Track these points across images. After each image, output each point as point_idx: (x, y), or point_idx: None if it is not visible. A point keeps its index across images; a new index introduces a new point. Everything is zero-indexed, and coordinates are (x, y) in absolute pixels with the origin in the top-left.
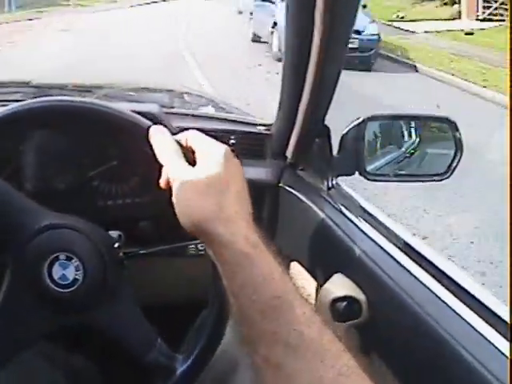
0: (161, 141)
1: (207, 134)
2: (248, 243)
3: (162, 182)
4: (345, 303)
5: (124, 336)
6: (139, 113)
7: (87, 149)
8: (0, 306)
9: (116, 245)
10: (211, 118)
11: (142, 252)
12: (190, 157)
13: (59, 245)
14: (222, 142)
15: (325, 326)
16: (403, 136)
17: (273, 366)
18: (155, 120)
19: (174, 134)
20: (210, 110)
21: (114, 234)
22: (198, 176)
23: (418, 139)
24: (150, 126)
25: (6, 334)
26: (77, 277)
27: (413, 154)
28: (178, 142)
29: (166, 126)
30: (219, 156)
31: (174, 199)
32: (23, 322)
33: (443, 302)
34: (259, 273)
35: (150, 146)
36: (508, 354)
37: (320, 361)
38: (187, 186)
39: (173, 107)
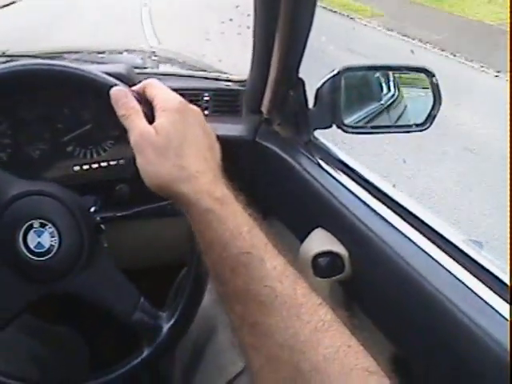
0: (121, 103)
1: (181, 93)
2: (212, 199)
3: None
4: (327, 259)
5: (106, 299)
6: (109, 74)
7: (60, 114)
8: None
9: (92, 209)
10: (184, 77)
11: (118, 215)
12: (148, 114)
13: (33, 212)
14: (195, 99)
15: (299, 280)
16: (382, 88)
17: (248, 323)
18: (126, 80)
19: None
20: (182, 69)
21: (90, 198)
22: (155, 138)
23: (396, 91)
24: (111, 86)
25: None
26: (52, 243)
27: (391, 105)
28: (137, 93)
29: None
30: (174, 110)
31: (137, 163)
32: (2, 295)
33: (427, 253)
34: (225, 228)
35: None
36: (503, 312)
37: (295, 316)
38: (146, 149)
39: (145, 67)
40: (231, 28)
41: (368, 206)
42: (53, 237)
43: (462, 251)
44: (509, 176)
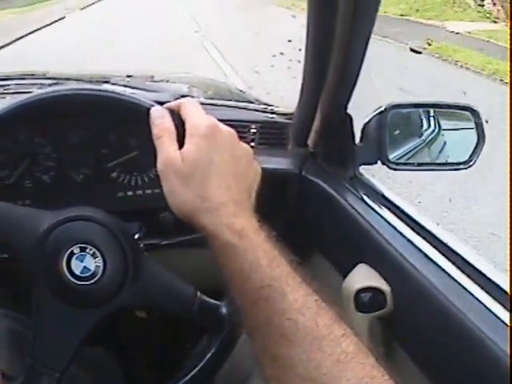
0: (157, 122)
1: (228, 125)
2: (232, 232)
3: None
4: (369, 294)
5: (162, 303)
6: (157, 102)
7: (106, 139)
8: (37, 321)
9: (136, 236)
10: (231, 108)
11: (163, 243)
12: (180, 136)
13: (76, 237)
14: (242, 131)
15: (322, 310)
16: (422, 124)
17: (269, 355)
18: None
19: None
20: (229, 99)
21: (134, 225)
22: (179, 165)
23: (437, 127)
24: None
25: (56, 346)
26: (97, 266)
27: (433, 142)
28: (173, 113)
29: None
30: (202, 136)
31: (163, 187)
32: (63, 328)
33: (469, 293)
34: (244, 261)
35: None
36: None
37: (317, 349)
38: (170, 177)
39: (192, 96)
40: (282, 62)
41: (411, 242)
42: (97, 260)
43: (505, 292)
44: (509, 176)
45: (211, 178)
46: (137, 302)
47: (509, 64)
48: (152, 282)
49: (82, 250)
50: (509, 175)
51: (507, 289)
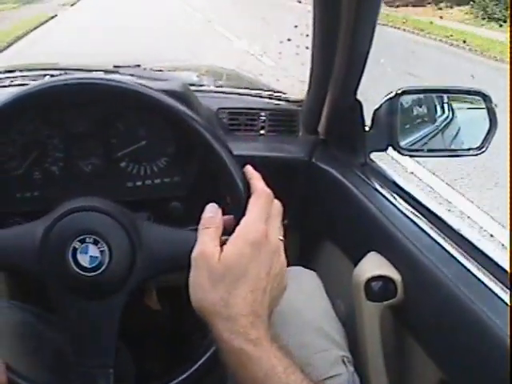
0: (208, 216)
1: (237, 112)
2: (246, 340)
3: None
4: (380, 283)
5: (173, 260)
6: (165, 91)
7: (114, 129)
8: (67, 326)
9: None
10: (241, 95)
11: None
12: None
13: (84, 227)
14: (252, 119)
15: None
16: (436, 110)
17: None
18: (181, 98)
19: (199, 113)
20: (239, 87)
21: (142, 215)
22: (214, 263)
23: (450, 113)
24: (176, 106)
25: (97, 343)
26: (103, 255)
27: (446, 128)
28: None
29: (191, 104)
30: (247, 242)
31: (190, 277)
32: (95, 324)
33: (482, 282)
34: (259, 369)
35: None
36: None
37: None
38: (201, 270)
39: (201, 85)
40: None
41: (422, 230)
42: (99, 246)
43: None
44: (509, 175)
45: (240, 288)
46: (152, 270)
47: (509, 64)
48: (159, 244)
49: (82, 241)
50: (509, 175)
51: None
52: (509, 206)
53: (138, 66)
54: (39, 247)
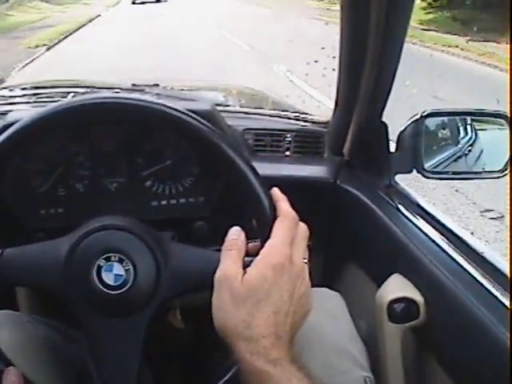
0: (231, 239)
1: (263, 133)
2: (266, 361)
3: None
4: (402, 305)
5: (197, 279)
6: (193, 111)
7: (140, 148)
8: (92, 345)
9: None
10: (267, 116)
11: None
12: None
13: (110, 245)
14: (278, 140)
15: None
16: (459, 132)
17: None
18: (208, 118)
19: (226, 133)
20: (265, 108)
21: (167, 234)
22: (236, 285)
23: (473, 135)
24: (204, 126)
25: (120, 363)
26: (127, 273)
27: (469, 150)
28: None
29: (219, 124)
30: (271, 265)
31: (212, 298)
32: (120, 343)
33: (504, 305)
34: None
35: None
36: None
37: None
38: (223, 292)
39: (228, 105)
40: (316, 70)
41: (446, 253)
42: (125, 264)
43: None
44: (509, 175)
45: (262, 310)
46: (176, 289)
47: (509, 63)
48: (183, 263)
49: (107, 259)
50: (509, 175)
51: None
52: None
53: (157, 85)
54: (64, 264)
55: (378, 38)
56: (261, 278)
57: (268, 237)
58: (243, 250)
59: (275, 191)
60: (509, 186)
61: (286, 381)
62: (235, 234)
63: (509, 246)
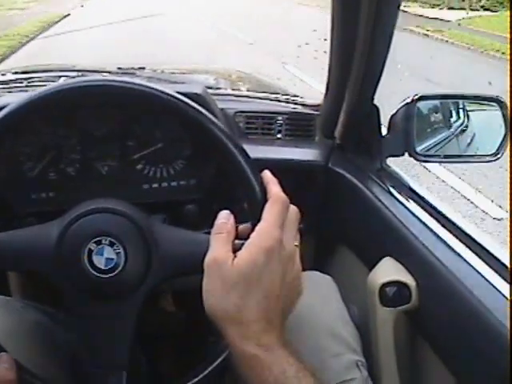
0: (220, 222)
1: (254, 116)
2: (257, 346)
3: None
4: (394, 288)
5: (190, 261)
6: (184, 94)
7: (131, 131)
8: (82, 328)
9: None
10: (258, 99)
11: None
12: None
13: (100, 229)
14: (269, 122)
15: None
16: (451, 116)
17: None
18: (199, 101)
19: (217, 116)
20: (256, 91)
21: (158, 217)
22: (227, 269)
23: (466, 119)
24: (195, 109)
25: (111, 346)
26: (119, 256)
27: (461, 133)
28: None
29: (210, 107)
30: (262, 249)
31: (203, 283)
32: (111, 326)
33: (497, 289)
34: (269, 374)
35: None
36: None
37: None
38: (213, 276)
39: (218, 88)
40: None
41: (437, 236)
42: (115, 248)
43: None
44: (509, 175)
45: (253, 294)
46: (167, 272)
47: (509, 64)
48: (174, 246)
49: (98, 243)
50: (509, 174)
51: None
52: (509, 203)
53: (143, 68)
54: (54, 248)
55: (369, 20)
56: (251, 261)
57: (259, 220)
58: (233, 233)
59: (266, 174)
60: (509, 185)
61: (277, 365)
62: (224, 218)
63: (508, 228)
